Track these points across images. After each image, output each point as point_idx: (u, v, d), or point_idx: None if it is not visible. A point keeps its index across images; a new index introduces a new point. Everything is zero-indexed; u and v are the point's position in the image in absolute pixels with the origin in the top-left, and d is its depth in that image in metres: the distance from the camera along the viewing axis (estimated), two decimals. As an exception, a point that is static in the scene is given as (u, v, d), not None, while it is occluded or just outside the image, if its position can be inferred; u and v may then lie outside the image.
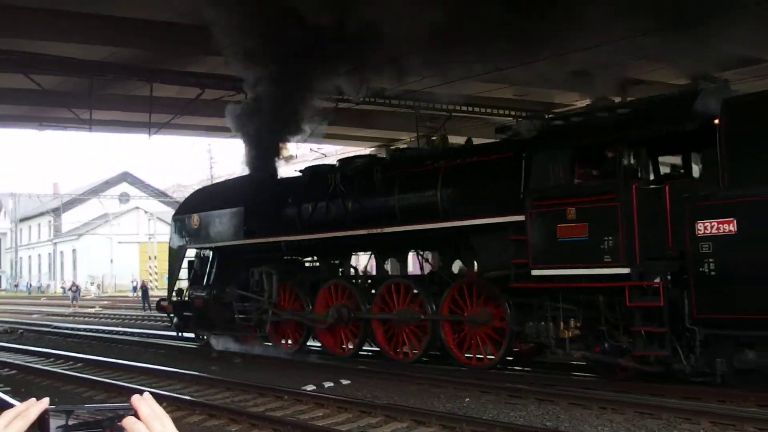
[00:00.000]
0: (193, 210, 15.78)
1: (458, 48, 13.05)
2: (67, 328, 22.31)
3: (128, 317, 27.26)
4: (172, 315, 16.06)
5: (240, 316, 14.28)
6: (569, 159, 9.92)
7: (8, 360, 14.57)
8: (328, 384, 10.63)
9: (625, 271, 9.20)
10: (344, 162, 13.83)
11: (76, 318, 29.62)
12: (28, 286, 70.17)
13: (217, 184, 17.88)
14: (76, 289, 40.49)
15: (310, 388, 10.28)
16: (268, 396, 9.95)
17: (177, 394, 10.26)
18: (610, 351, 9.71)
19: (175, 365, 12.85)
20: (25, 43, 16.27)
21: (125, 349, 16.23)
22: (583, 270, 9.61)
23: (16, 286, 74.67)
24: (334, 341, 13.50)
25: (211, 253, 15.45)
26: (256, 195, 14.51)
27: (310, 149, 32.93)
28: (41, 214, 74.50)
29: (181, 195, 73.53)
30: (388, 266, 14.35)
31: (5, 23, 14.91)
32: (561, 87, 19.20)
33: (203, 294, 15.01)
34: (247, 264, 14.50)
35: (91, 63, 17.18)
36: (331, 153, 42.26)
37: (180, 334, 16.33)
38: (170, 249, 16.34)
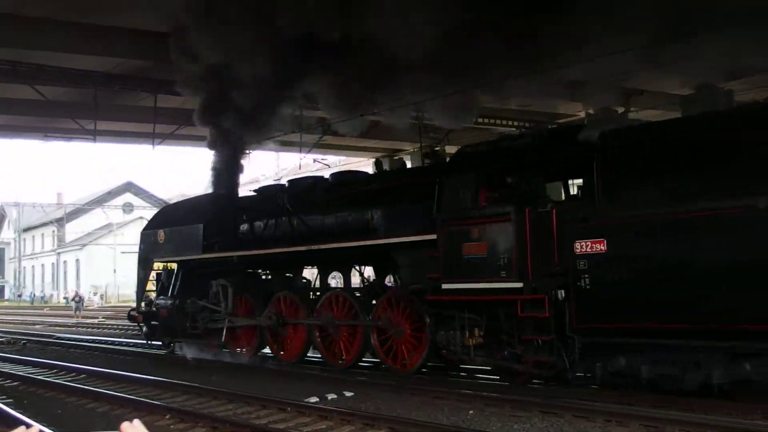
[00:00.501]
0: (160, 225, 17.11)
1: (456, 66, 13.47)
2: (70, 339, 22.46)
3: (131, 327, 26.81)
4: (141, 324, 17.36)
5: (199, 324, 15.59)
6: (474, 184, 11.12)
7: (11, 371, 14.73)
8: (331, 396, 10.71)
9: (518, 285, 10.36)
10: (292, 183, 15.12)
11: (79, 328, 29.74)
12: (32, 296, 71.40)
13: (183, 201, 19.14)
14: (79, 299, 40.89)
15: (313, 400, 10.40)
16: (271, 408, 10.00)
17: (180, 406, 10.42)
18: (509, 357, 10.90)
19: (177, 376, 12.96)
20: (29, 53, 16.95)
21: (128, 360, 16.49)
22: (483, 284, 10.77)
23: (20, 296, 76.08)
24: (279, 347, 14.76)
25: (175, 266, 16.73)
26: (215, 212, 15.82)
27: (314, 160, 33.31)
28: (45, 224, 75.87)
29: (188, 204, 74.64)
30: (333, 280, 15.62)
31: (11, 34, 15.69)
32: (563, 98, 19.54)
33: (168, 304, 16.31)
34: (208, 277, 15.78)
35: (96, 74, 17.82)
36: (335, 163, 42.94)
37: (149, 342, 17.62)
38: (139, 261, 17.67)
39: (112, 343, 21.36)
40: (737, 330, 8.55)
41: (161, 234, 16.67)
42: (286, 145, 23.11)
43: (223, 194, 16.40)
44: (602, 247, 9.60)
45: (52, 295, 71.00)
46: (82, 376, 14.01)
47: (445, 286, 11.22)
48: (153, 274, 17.30)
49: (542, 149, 10.80)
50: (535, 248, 10.30)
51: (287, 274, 15.19)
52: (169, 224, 16.78)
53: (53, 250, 76.05)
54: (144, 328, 17.33)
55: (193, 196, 23.42)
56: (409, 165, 26.51)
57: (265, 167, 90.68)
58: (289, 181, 15.37)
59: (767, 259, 8.23)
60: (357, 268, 14.60)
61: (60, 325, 32.55)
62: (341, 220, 13.40)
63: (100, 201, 73.65)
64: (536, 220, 10.37)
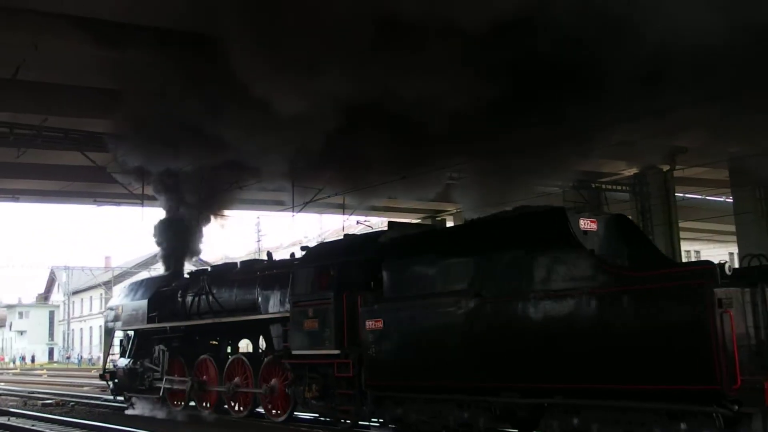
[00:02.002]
0: (119, 302, 21.57)
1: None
2: (117, 402, 22.61)
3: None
4: (108, 382, 21.65)
5: (146, 382, 19.79)
6: (312, 274, 15.14)
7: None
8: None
9: (336, 352, 14.28)
10: (213, 267, 19.39)
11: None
12: (80, 357, 76.41)
13: (138, 280, 23.61)
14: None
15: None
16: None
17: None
18: (334, 406, 14.76)
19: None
20: (79, 121, 19.85)
21: (177, 423, 18.17)
22: (315, 351, 14.73)
23: (68, 357, 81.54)
24: (203, 404, 18.77)
25: (132, 333, 21.01)
26: (158, 290, 20.15)
27: (357, 222, 34.31)
28: (93, 287, 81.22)
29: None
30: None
31: (65, 104, 18.73)
32: (608, 157, 21.21)
33: (124, 365, 20.57)
34: (154, 342, 20.00)
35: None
36: (377, 224, 45.46)
37: (115, 396, 21.86)
38: (105, 330, 22.10)
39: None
40: (478, 385, 12.12)
41: (120, 308, 21.10)
42: (330, 207, 26.55)
43: (166, 275, 20.82)
44: (380, 325, 13.46)
45: (99, 357, 76.01)
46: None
47: (294, 352, 15.21)
48: (116, 340, 21.65)
49: (355, 250, 14.80)
50: (348, 325, 14.20)
51: (212, 342, 19.26)
52: (127, 299, 21.19)
53: (101, 313, 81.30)
54: (111, 385, 21.60)
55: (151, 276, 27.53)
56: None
57: (309, 229, 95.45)
58: (212, 267, 19.66)
59: (491, 333, 11.82)
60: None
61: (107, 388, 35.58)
62: (239, 299, 17.54)
63: (146, 264, 77.30)
64: (350, 303, 14.29)
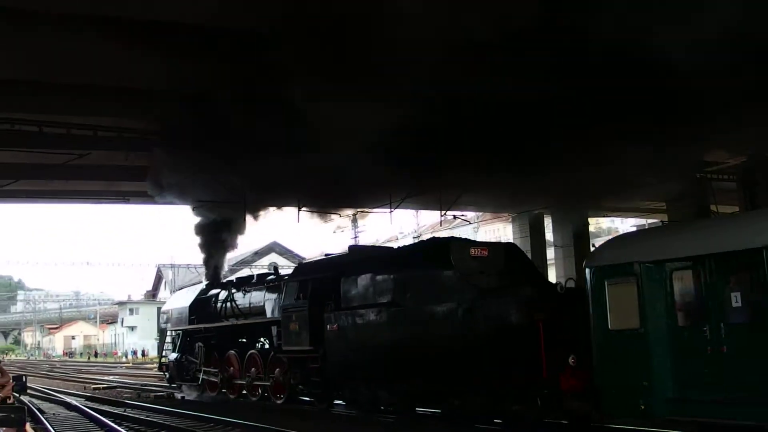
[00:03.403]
0: (169, 306, 26.80)
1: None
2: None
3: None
4: (165, 373, 26.91)
5: (189, 373, 24.85)
6: (296, 287, 19.65)
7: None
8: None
9: (309, 348, 18.78)
10: (237, 278, 24.25)
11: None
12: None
13: (185, 288, 28.54)
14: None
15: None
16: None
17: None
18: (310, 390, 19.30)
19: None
20: None
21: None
22: (296, 347, 19.28)
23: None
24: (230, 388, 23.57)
25: (180, 333, 26.12)
26: (197, 296, 25.17)
27: (453, 216, 34.78)
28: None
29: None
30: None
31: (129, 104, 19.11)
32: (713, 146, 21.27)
33: (174, 359, 25.72)
34: (196, 340, 25.03)
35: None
36: (473, 219, 46.61)
37: (170, 384, 27.05)
38: (159, 331, 27.33)
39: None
40: (394, 374, 16.43)
41: (170, 312, 26.33)
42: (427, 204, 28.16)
43: (207, 282, 25.91)
44: (336, 328, 17.89)
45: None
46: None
47: (284, 348, 19.82)
48: (168, 338, 26.88)
49: (325, 269, 19.26)
50: (317, 327, 18.64)
51: (240, 339, 24.05)
52: (175, 305, 26.35)
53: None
54: (166, 375, 26.85)
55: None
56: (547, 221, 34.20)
57: (405, 224, 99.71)
58: (236, 278, 24.58)
59: (402, 335, 16.08)
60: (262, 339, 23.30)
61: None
62: (252, 305, 22.28)
63: (248, 261, 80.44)
64: (319, 311, 18.73)
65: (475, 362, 14.21)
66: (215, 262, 26.53)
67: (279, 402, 20.72)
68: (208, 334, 24.29)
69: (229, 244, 26.80)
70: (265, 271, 32.53)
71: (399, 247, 18.11)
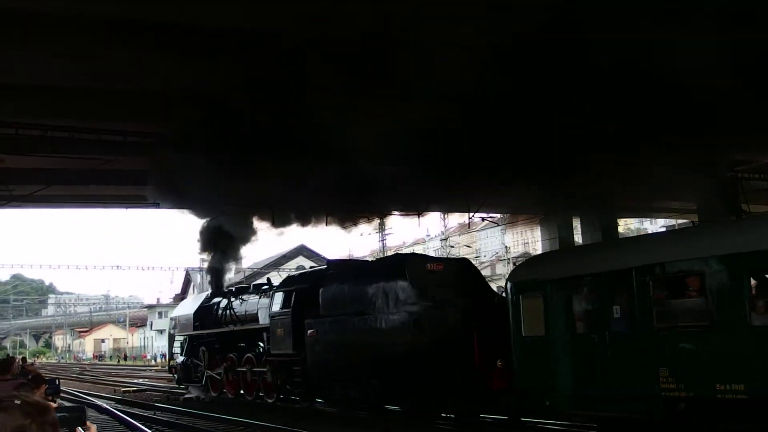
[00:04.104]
0: (176, 313, 29.41)
1: None
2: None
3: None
4: (174, 375, 29.51)
5: (194, 374, 27.39)
6: (282, 296, 22.03)
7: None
8: None
9: (292, 352, 21.16)
10: (236, 287, 26.73)
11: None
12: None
13: (190, 298, 31.18)
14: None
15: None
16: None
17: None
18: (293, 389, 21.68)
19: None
20: None
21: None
22: (282, 351, 21.66)
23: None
24: (233, 390, 26.05)
25: (186, 338, 28.67)
26: (201, 304, 27.70)
27: (481, 218, 35.81)
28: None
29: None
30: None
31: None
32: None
33: (181, 361, 28.28)
34: (199, 345, 27.57)
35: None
36: (502, 221, 49.28)
37: (179, 385, 29.64)
38: (168, 336, 29.98)
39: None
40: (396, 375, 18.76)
41: (177, 319, 28.93)
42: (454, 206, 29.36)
43: (210, 292, 28.42)
44: (315, 334, 20.25)
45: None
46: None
47: (272, 352, 22.24)
48: (177, 343, 29.47)
49: (307, 280, 21.63)
50: (299, 333, 21.03)
51: (240, 344, 26.50)
52: (181, 312, 28.94)
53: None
54: (175, 377, 29.45)
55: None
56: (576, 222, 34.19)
57: (432, 227, 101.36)
58: (236, 287, 27.07)
59: (366, 340, 18.41)
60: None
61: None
62: (248, 313, 24.73)
63: (276, 264, 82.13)
64: (301, 318, 21.11)
65: (424, 365, 16.49)
66: (218, 272, 29.03)
67: (270, 401, 23.15)
68: (211, 339, 26.79)
69: (232, 257, 29.23)
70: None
71: (368, 262, 20.47)
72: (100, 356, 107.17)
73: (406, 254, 21.39)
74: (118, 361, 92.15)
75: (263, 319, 23.40)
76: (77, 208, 51.59)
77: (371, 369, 18.18)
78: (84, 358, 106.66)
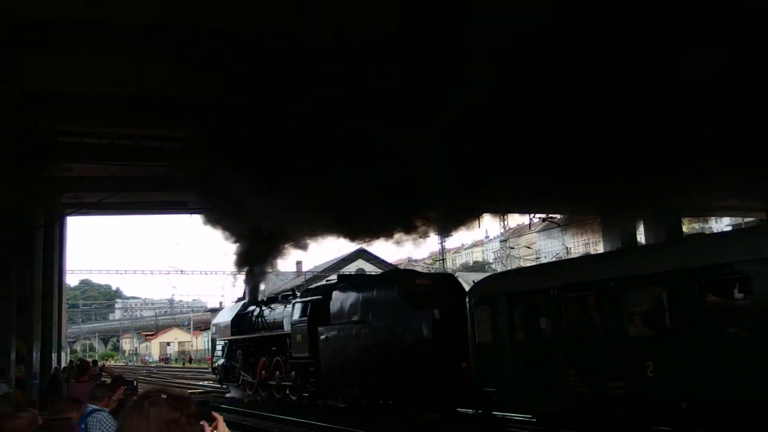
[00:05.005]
0: (217, 320, 33.19)
1: None
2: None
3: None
4: (216, 375, 33.31)
5: (233, 375, 31.12)
6: (302, 306, 25.50)
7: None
8: None
9: (308, 355, 24.62)
10: (268, 297, 30.36)
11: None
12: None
13: (230, 306, 35.02)
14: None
15: None
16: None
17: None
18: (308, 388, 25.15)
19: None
20: None
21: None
22: (300, 354, 25.14)
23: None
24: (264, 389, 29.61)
25: (226, 343, 32.41)
26: (238, 312, 31.40)
27: (539, 218, 37.99)
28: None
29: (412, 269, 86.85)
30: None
31: None
32: None
33: (222, 363, 32.05)
34: (236, 349, 31.28)
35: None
36: (563, 221, 51.23)
37: (221, 385, 33.40)
38: (211, 340, 33.80)
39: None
40: (387, 374, 22.12)
41: (218, 325, 32.73)
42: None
43: (246, 301, 32.13)
44: (325, 339, 23.68)
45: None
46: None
47: (293, 355, 25.76)
48: (218, 347, 33.27)
49: (320, 292, 25.06)
50: (314, 339, 24.48)
51: (272, 347, 30.08)
52: (222, 319, 32.74)
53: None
54: (217, 377, 33.25)
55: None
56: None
57: (492, 228, 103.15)
58: (268, 297, 30.72)
59: (366, 344, 21.76)
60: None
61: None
62: (276, 320, 28.28)
63: (335, 268, 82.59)
64: (316, 325, 24.55)
65: (405, 365, 19.76)
66: (252, 285, 32.74)
67: (294, 398, 26.68)
68: (246, 343, 30.47)
69: (262, 273, 32.95)
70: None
71: (370, 276, 23.88)
72: (165, 359, 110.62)
73: (399, 270, 24.38)
74: (183, 364, 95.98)
75: (287, 327, 26.92)
76: (142, 215, 54.22)
77: (367, 369, 21.50)
78: (150, 360, 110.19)
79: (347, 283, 24.78)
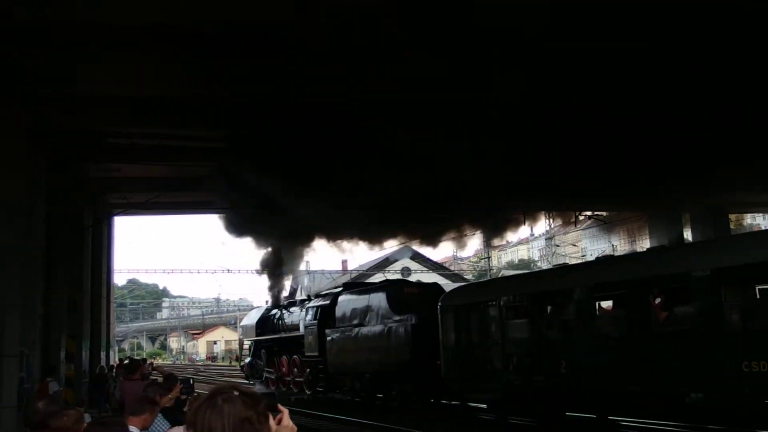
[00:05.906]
0: (245, 323, 37.36)
1: None
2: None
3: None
4: (244, 372, 37.49)
5: (259, 372, 35.23)
6: (312, 310, 29.44)
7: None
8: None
9: (317, 354, 28.56)
10: (287, 301, 34.44)
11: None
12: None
13: (256, 309, 39.28)
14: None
15: None
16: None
17: None
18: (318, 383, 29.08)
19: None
20: None
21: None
22: (311, 353, 29.07)
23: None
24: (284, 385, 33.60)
25: (252, 343, 36.51)
26: (262, 315, 35.48)
27: (587, 216, 39.49)
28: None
29: (458, 267, 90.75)
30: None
31: None
32: None
33: (249, 361, 36.20)
34: (260, 348, 35.38)
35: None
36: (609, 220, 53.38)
37: (249, 381, 37.51)
38: (239, 340, 38.01)
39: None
40: (379, 370, 25.98)
41: (245, 327, 36.88)
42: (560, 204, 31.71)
43: (270, 304, 36.24)
44: (336, 337, 27.59)
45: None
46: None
47: (307, 354, 29.75)
48: (246, 346, 37.41)
49: (328, 298, 28.99)
50: (322, 339, 28.40)
51: (291, 346, 34.00)
52: (248, 321, 36.88)
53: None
54: (245, 374, 37.44)
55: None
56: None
57: (538, 227, 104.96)
58: (288, 301, 34.80)
59: (363, 344, 25.61)
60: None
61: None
62: (293, 322, 32.27)
63: (381, 266, 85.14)
64: (324, 328, 28.46)
65: (391, 364, 23.60)
66: (276, 289, 36.86)
67: (309, 392, 30.64)
68: (268, 343, 34.57)
69: (283, 277, 37.03)
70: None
71: (369, 284, 27.91)
72: (212, 357, 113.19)
73: (391, 280, 28.31)
74: (230, 362, 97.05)
75: (302, 329, 30.89)
76: (188, 215, 55.71)
77: (364, 367, 25.39)
78: (197, 359, 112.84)
79: (350, 290, 28.66)
